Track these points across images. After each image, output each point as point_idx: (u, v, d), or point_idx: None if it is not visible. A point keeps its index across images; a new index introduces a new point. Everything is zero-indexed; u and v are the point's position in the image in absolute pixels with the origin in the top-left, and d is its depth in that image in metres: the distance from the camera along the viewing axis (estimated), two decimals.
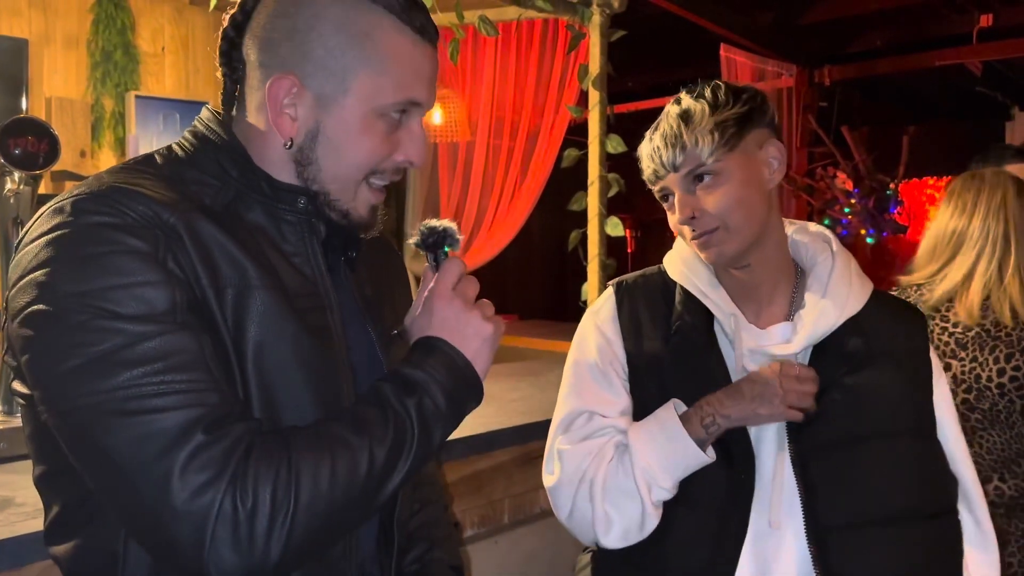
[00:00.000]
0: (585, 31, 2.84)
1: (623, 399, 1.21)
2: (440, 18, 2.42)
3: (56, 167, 3.38)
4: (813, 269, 1.23)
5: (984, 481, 1.75)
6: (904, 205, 5.68)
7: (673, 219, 1.21)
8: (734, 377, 1.17)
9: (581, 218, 2.83)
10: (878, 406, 1.16)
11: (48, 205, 0.83)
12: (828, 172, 5.47)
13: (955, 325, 1.80)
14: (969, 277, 1.81)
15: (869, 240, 5.48)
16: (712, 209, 1.15)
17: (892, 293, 1.46)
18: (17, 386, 0.86)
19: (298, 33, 0.89)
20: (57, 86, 3.52)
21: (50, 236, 0.79)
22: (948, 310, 1.84)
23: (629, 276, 1.33)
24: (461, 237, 0.97)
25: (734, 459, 1.14)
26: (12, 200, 1.63)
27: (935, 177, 6.32)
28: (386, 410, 0.86)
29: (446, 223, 0.97)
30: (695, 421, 1.12)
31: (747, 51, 5.31)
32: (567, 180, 3.07)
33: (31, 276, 0.79)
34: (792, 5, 5.43)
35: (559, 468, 1.18)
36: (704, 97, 1.17)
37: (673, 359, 1.20)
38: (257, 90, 0.92)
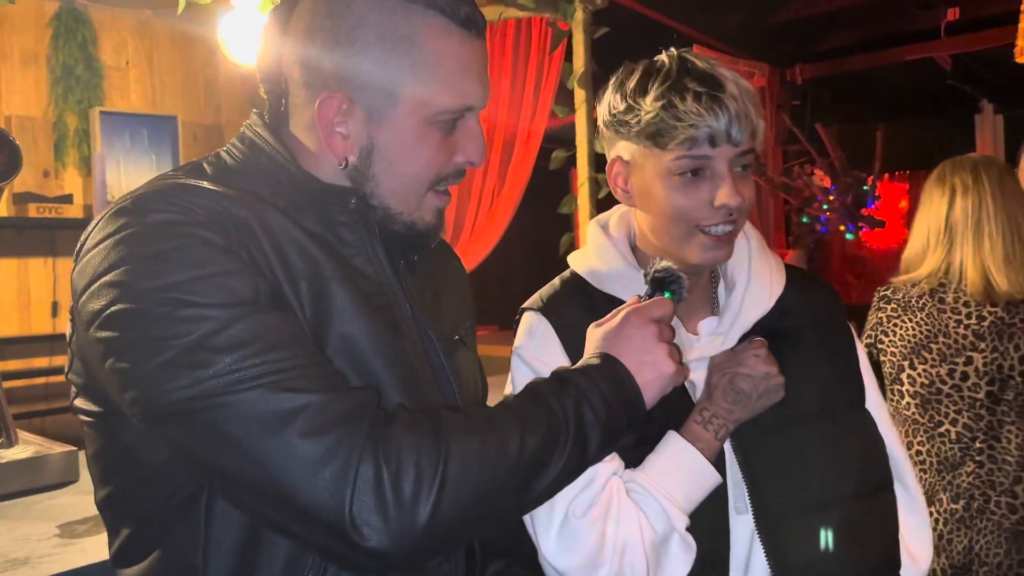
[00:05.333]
0: (565, 27, 2.77)
1: None
2: None
3: (19, 189, 3.26)
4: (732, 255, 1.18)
5: (1013, 482, 1.73)
6: (881, 200, 5.70)
7: (691, 200, 1.04)
8: (688, 386, 1.11)
9: (561, 223, 2.76)
10: (810, 384, 1.13)
11: (107, 209, 0.81)
12: (806, 170, 5.46)
13: (969, 316, 1.76)
14: (972, 259, 1.78)
15: (848, 236, 5.48)
16: (746, 204, 1.05)
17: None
18: (81, 403, 0.84)
19: (340, 46, 0.85)
20: (16, 104, 3.39)
21: (117, 236, 0.77)
22: (957, 301, 1.78)
23: (543, 297, 1.17)
24: (687, 295, 0.96)
25: None
26: None
27: (908, 171, 6.38)
28: (540, 404, 0.82)
29: (685, 276, 0.97)
30: (706, 437, 1.05)
31: (719, 52, 5.29)
32: (545, 185, 3.00)
33: (103, 279, 0.76)
34: (762, 5, 5.44)
35: (574, 540, 1.01)
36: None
37: None
38: (305, 109, 0.88)
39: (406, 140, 0.87)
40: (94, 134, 3.40)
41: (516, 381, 1.13)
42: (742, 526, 1.09)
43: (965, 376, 1.76)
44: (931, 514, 1.78)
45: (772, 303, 1.13)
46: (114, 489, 0.86)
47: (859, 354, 1.21)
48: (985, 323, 1.74)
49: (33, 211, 3.18)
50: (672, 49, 1.08)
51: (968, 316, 1.76)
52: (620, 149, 1.10)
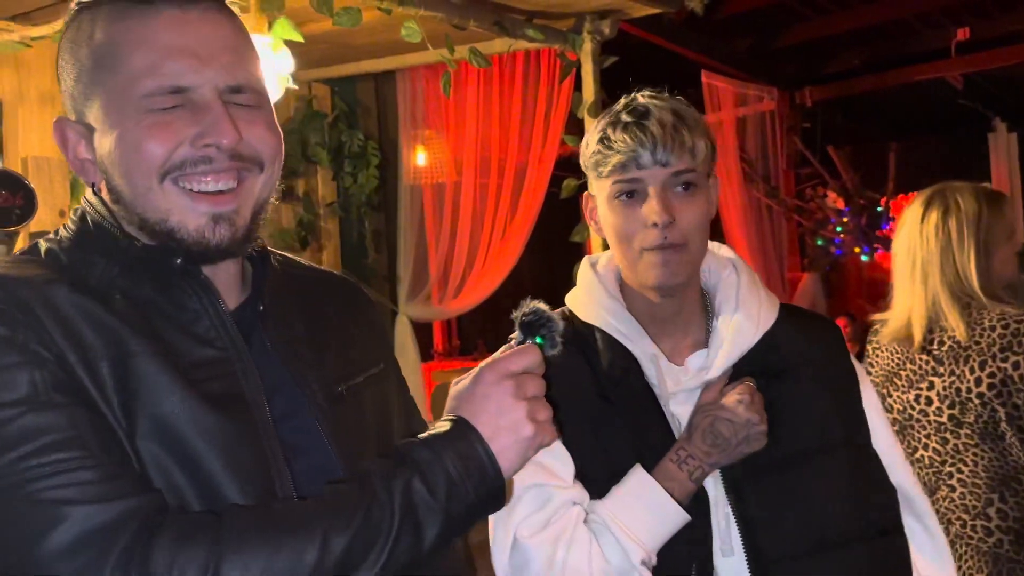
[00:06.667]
0: (573, 57, 2.79)
1: (570, 463, 1.09)
2: (432, 54, 2.35)
3: (35, 228, 3.28)
4: (719, 287, 1.19)
5: (985, 505, 1.74)
6: (896, 220, 5.67)
7: (629, 221, 1.09)
8: (671, 419, 1.10)
9: (574, 252, 2.75)
10: (806, 421, 1.11)
11: None
12: (818, 192, 5.45)
13: (931, 343, 1.80)
14: (920, 301, 1.80)
15: (864, 258, 5.45)
16: (686, 223, 1.08)
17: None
18: None
19: (60, 76, 0.86)
20: (33, 145, 3.41)
21: None
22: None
23: None
24: (561, 344, 0.85)
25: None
26: None
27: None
28: (364, 491, 0.74)
29: (558, 318, 0.86)
30: (680, 476, 1.05)
31: (728, 76, 5.31)
32: (557, 213, 3.00)
33: None
34: (768, 29, 5.46)
35: (523, 561, 1.04)
36: (686, 106, 1.12)
37: (613, 410, 1.11)
38: None
39: (116, 135, 0.80)
40: None
41: None
42: (727, 569, 1.06)
43: (929, 401, 1.79)
44: None
45: (759, 336, 1.12)
46: None
47: (864, 391, 1.18)
48: (944, 348, 1.76)
49: None
50: (635, 92, 1.14)
51: (930, 343, 1.79)
52: (589, 186, 1.18)
